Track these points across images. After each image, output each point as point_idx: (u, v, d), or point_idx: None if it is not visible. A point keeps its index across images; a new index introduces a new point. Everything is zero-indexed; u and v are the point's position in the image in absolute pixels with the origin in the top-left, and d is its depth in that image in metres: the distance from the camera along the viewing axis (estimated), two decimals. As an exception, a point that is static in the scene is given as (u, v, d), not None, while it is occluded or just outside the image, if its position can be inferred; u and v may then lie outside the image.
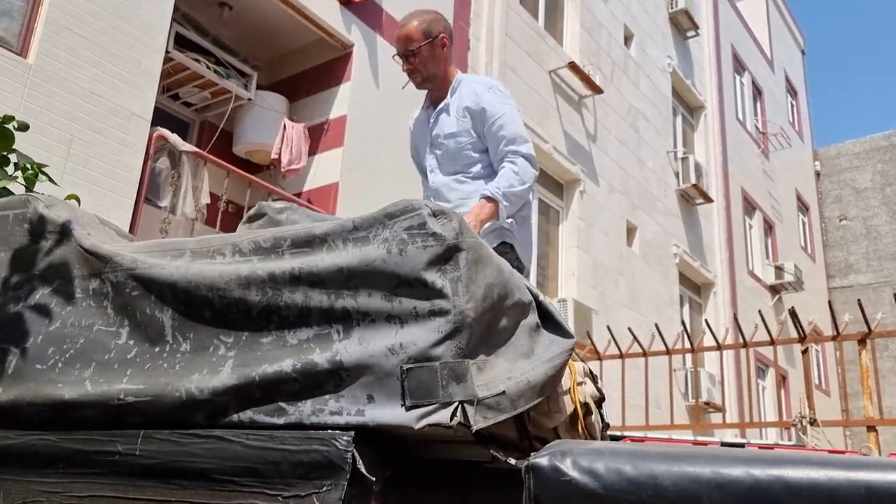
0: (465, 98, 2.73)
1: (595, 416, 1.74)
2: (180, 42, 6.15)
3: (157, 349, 1.26)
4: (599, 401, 2.10)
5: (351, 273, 1.21)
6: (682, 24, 13.56)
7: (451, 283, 1.17)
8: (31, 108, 4.56)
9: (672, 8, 13.25)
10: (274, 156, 6.35)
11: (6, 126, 1.64)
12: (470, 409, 1.13)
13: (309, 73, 7.15)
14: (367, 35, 7.12)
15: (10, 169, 1.62)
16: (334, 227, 1.26)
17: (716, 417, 11.19)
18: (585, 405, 1.60)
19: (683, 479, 1.08)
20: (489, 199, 2.52)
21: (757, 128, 16.72)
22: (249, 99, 6.62)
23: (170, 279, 1.28)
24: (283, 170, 6.38)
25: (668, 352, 6.64)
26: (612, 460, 1.13)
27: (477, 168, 2.72)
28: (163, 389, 1.22)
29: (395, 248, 1.20)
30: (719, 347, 6.60)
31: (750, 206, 15.40)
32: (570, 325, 8.16)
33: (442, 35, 2.75)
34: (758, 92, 17.19)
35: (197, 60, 6.25)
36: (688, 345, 7.40)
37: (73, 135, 4.75)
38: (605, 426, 2.13)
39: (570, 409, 1.49)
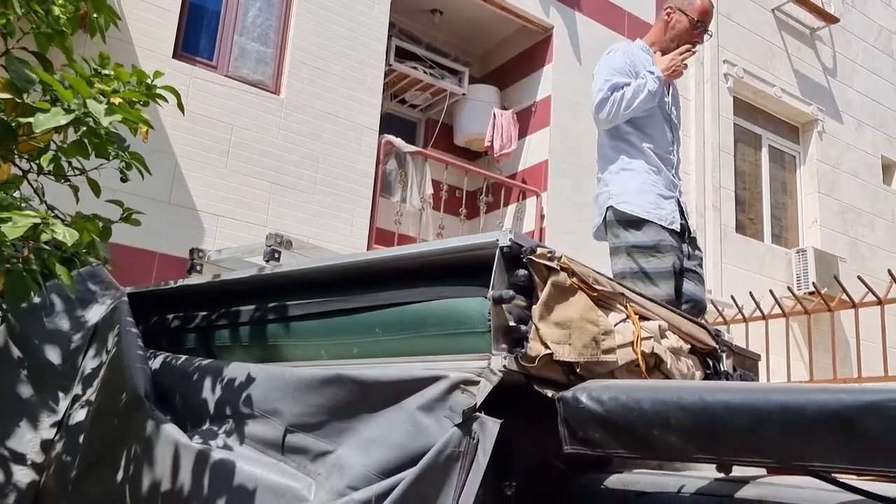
0: None
1: (675, 365, 2.09)
2: (400, 53, 7.05)
3: None
4: (709, 353, 2.42)
5: None
6: (950, -81, 11.66)
7: None
8: (287, 135, 5.71)
9: None
10: (487, 143, 7.02)
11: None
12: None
13: (515, 61, 7.69)
14: (566, 14, 7.45)
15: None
16: None
17: None
18: (655, 356, 1.97)
19: (657, 403, 1.47)
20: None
21: None
22: (463, 94, 7.35)
23: None
24: (496, 155, 7.03)
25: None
26: (613, 392, 1.56)
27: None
28: None
29: None
30: None
31: None
32: (812, 274, 7.79)
33: None
34: None
35: (415, 68, 7.11)
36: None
37: (318, 151, 5.83)
38: (722, 374, 2.42)
39: (628, 358, 1.88)
